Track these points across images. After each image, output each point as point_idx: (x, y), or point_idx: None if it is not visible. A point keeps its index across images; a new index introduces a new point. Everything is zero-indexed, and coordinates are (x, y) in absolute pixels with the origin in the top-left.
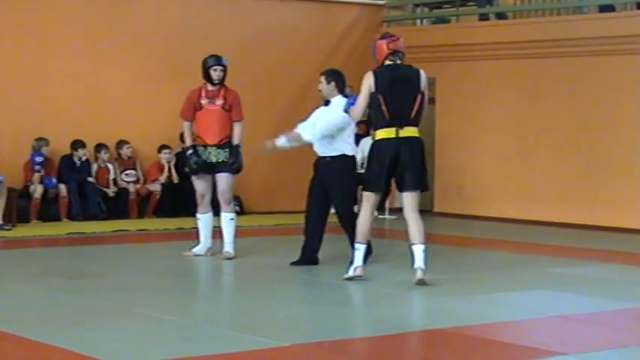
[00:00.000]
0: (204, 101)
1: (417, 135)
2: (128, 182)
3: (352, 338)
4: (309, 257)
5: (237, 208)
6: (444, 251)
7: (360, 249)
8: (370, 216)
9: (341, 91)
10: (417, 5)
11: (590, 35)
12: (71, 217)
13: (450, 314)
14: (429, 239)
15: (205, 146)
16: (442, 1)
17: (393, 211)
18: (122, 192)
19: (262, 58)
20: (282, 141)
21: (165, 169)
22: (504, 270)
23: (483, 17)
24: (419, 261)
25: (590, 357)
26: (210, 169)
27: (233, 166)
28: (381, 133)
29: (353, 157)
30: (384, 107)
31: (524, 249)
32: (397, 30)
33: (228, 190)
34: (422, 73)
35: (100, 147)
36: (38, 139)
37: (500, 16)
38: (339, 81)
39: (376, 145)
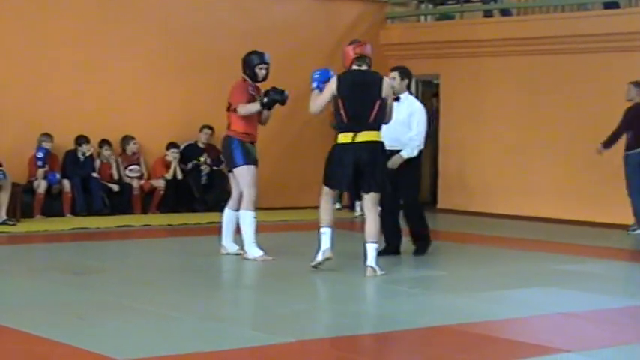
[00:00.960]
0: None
1: (375, 139)
2: (132, 178)
3: (356, 334)
4: (392, 245)
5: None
6: (446, 247)
7: (326, 233)
8: (328, 206)
9: (409, 87)
10: (421, 2)
11: (594, 32)
12: (75, 213)
13: (453, 311)
14: (435, 236)
15: (252, 143)
16: None
17: None
18: (126, 187)
19: None
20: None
21: (172, 167)
22: (507, 267)
23: (487, 14)
24: (370, 259)
25: (593, 354)
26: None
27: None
28: (341, 138)
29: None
30: (342, 111)
31: (527, 246)
32: (401, 26)
33: None
34: (385, 79)
35: (102, 143)
36: (43, 135)
37: (505, 12)
38: (410, 78)
39: (336, 149)
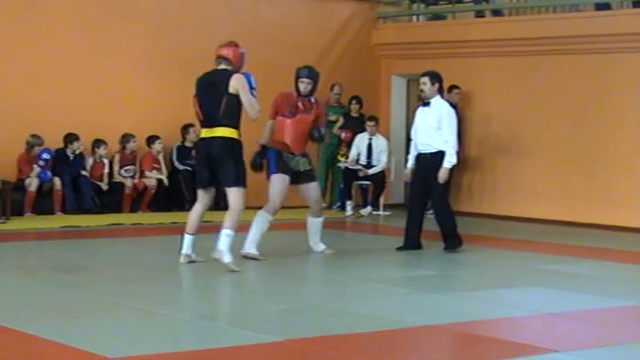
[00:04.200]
0: (300, 110)
1: (224, 135)
2: (125, 177)
3: (346, 334)
4: (412, 243)
5: None
6: (436, 247)
7: (186, 238)
8: (197, 209)
9: (440, 91)
10: (413, 2)
11: (586, 33)
12: (65, 211)
13: (443, 311)
14: (425, 236)
15: (293, 155)
16: None
17: (387, 207)
18: (116, 186)
19: (258, 54)
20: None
21: (162, 162)
22: (498, 267)
23: (479, 14)
24: (221, 243)
25: (583, 354)
26: (297, 177)
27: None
28: (201, 133)
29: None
30: (198, 109)
31: (517, 246)
32: (393, 26)
33: (321, 197)
34: (233, 76)
35: (98, 142)
36: (33, 136)
37: (497, 13)
38: (441, 83)
39: (197, 144)
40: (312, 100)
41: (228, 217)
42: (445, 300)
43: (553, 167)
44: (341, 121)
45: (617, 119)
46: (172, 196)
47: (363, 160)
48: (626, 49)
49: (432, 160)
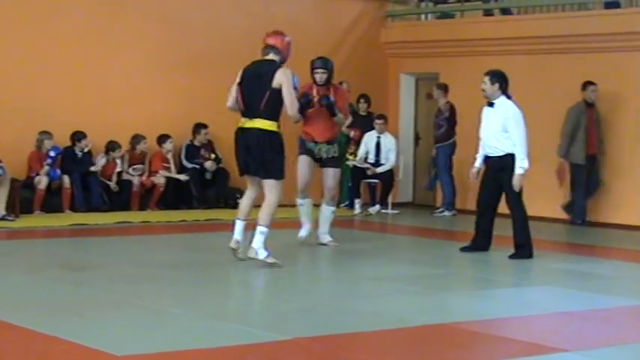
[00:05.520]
0: (315, 99)
1: (262, 127)
2: (133, 175)
3: (356, 332)
4: (479, 244)
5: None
6: (445, 246)
7: (237, 224)
8: (248, 194)
9: (504, 91)
10: (421, 0)
11: (595, 32)
12: (74, 209)
13: (453, 309)
14: (434, 235)
15: (315, 142)
16: None
17: (395, 205)
18: (124, 184)
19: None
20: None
21: (171, 161)
22: (507, 266)
23: (488, 12)
24: (255, 242)
25: (593, 354)
26: (317, 161)
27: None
28: (240, 122)
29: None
30: (240, 98)
31: None
32: (401, 25)
33: (337, 184)
34: (280, 70)
35: (113, 144)
36: (42, 133)
37: (505, 11)
38: (503, 82)
39: (236, 133)
40: (326, 86)
41: (263, 211)
42: (455, 299)
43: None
44: (349, 119)
45: (625, 117)
46: (181, 194)
47: (372, 159)
48: (635, 47)
49: (500, 163)
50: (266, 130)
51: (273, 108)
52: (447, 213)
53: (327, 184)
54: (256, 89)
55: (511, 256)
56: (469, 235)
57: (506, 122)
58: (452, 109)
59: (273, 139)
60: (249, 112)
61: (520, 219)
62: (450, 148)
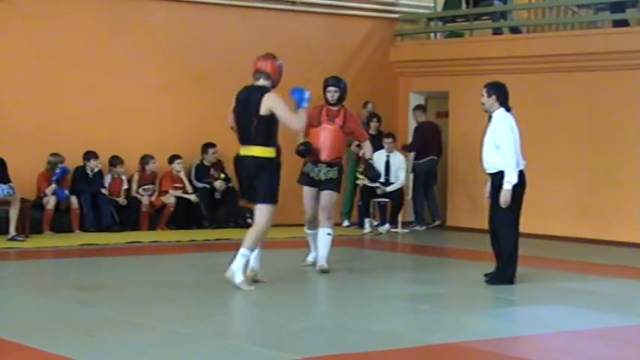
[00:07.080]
0: (323, 119)
1: (257, 155)
2: (143, 195)
3: (366, 352)
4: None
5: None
6: (455, 265)
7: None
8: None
9: (503, 104)
10: (430, 19)
11: (604, 50)
12: (84, 229)
13: (463, 328)
14: (440, 253)
15: (316, 163)
16: (456, 15)
17: (405, 224)
18: (134, 202)
19: None
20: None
21: (185, 180)
22: (517, 284)
23: (497, 31)
24: (234, 264)
25: None
26: (317, 185)
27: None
28: (240, 149)
29: (520, 172)
30: (235, 125)
31: (537, 263)
32: (411, 44)
33: (331, 206)
34: (265, 97)
35: (115, 159)
36: (54, 155)
37: (514, 30)
38: (500, 93)
39: (235, 160)
40: (337, 108)
41: (249, 234)
42: (465, 317)
43: (570, 184)
44: (367, 142)
45: (635, 136)
46: (190, 214)
47: (381, 178)
48: None
49: (494, 180)
50: (262, 158)
51: (266, 133)
52: (418, 227)
53: (321, 204)
54: (245, 116)
55: (488, 281)
56: (479, 254)
57: (495, 135)
58: (416, 130)
59: (269, 167)
60: (243, 139)
61: (503, 237)
62: (425, 166)
